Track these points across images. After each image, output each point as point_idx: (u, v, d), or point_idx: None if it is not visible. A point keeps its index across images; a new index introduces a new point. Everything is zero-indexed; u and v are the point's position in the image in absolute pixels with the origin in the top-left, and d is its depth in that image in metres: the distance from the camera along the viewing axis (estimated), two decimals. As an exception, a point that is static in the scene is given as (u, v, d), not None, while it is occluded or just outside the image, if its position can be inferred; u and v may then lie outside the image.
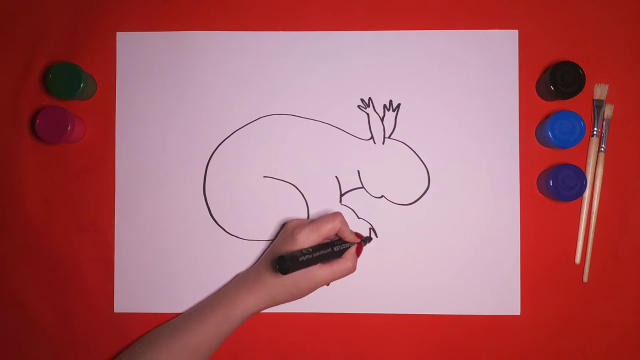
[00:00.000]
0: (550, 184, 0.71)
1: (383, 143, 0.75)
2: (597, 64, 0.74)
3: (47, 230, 0.74)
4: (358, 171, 0.75)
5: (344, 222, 0.68)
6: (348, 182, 0.75)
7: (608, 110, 0.73)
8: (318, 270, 0.66)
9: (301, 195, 0.74)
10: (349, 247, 0.68)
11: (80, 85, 0.71)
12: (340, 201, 0.74)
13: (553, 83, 0.70)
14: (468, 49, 0.75)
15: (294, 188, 0.75)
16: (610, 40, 0.74)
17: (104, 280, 0.74)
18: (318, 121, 0.75)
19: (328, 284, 0.70)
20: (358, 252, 0.69)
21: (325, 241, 0.68)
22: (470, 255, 0.74)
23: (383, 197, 0.74)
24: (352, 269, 0.68)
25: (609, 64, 0.74)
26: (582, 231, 0.73)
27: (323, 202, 0.74)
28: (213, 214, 0.74)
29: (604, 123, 0.74)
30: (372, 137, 0.75)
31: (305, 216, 0.74)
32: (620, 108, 0.74)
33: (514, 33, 0.75)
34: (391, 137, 0.75)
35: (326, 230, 0.67)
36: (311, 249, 0.65)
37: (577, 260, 0.73)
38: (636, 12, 0.75)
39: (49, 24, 0.76)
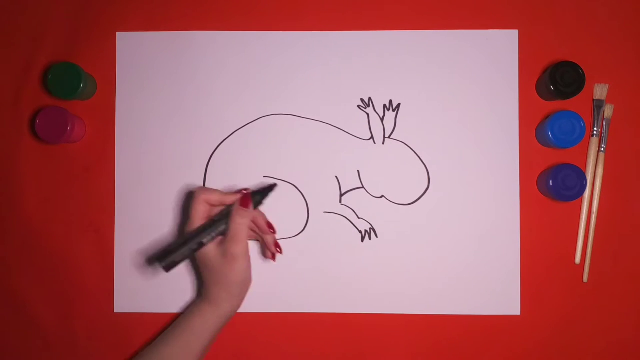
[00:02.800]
0: (550, 184, 0.71)
1: (383, 143, 0.75)
2: (597, 64, 0.74)
3: (47, 230, 0.74)
4: (358, 171, 0.75)
5: (207, 191, 0.67)
6: (348, 182, 0.75)
7: (608, 110, 0.74)
8: (223, 246, 0.65)
9: (301, 195, 0.74)
10: (229, 209, 0.67)
11: (80, 85, 0.71)
12: (340, 201, 0.74)
13: (553, 83, 0.70)
14: (468, 49, 0.75)
15: (294, 188, 0.75)
16: (610, 40, 0.74)
17: (104, 280, 0.74)
18: (318, 121, 0.75)
19: (271, 257, 0.70)
20: (246, 205, 0.67)
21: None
22: (470, 255, 0.74)
23: (383, 197, 0.74)
24: (242, 222, 0.65)
25: (609, 64, 0.74)
26: (582, 231, 0.73)
27: (323, 202, 0.74)
28: (213, 214, 0.74)
29: (604, 123, 0.74)
30: (372, 137, 0.75)
31: (306, 216, 0.74)
32: (620, 108, 0.74)
33: (514, 33, 0.75)
34: (391, 137, 0.75)
35: (196, 211, 0.66)
36: (186, 235, 0.66)
37: (577, 260, 0.73)
38: (636, 12, 0.75)
39: (49, 24, 0.76)
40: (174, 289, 0.74)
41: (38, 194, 0.75)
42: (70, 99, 0.73)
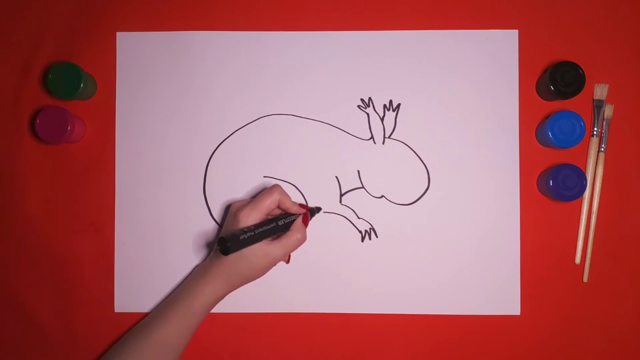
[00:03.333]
0: (550, 184, 0.71)
1: (383, 143, 0.75)
2: (597, 64, 0.74)
3: (47, 230, 0.74)
4: (358, 171, 0.75)
5: (284, 194, 0.68)
6: (348, 182, 0.75)
7: (608, 110, 0.73)
8: (267, 247, 0.66)
9: (301, 195, 0.74)
10: (295, 219, 0.69)
11: (80, 85, 0.71)
12: (340, 201, 0.74)
13: (553, 83, 0.70)
14: (468, 49, 0.75)
15: (294, 188, 0.75)
16: (610, 40, 0.74)
17: (104, 280, 0.74)
18: (318, 121, 0.75)
19: (287, 261, 0.71)
20: (305, 223, 0.69)
21: (270, 217, 0.68)
22: (470, 255, 0.74)
23: (383, 197, 0.74)
24: (302, 239, 0.68)
25: (609, 64, 0.74)
26: (582, 231, 0.73)
27: (323, 202, 0.74)
28: (213, 214, 0.74)
29: (604, 123, 0.74)
30: (372, 137, 0.75)
31: (305, 216, 0.74)
32: (620, 108, 0.74)
33: (514, 33, 0.75)
34: (391, 137, 0.75)
35: (266, 205, 0.67)
36: (253, 227, 0.65)
37: (577, 260, 0.73)
38: (636, 12, 0.75)
39: (49, 24, 0.76)
40: (174, 289, 0.74)
41: (38, 194, 0.75)
42: (70, 99, 0.73)
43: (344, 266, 0.74)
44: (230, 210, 0.69)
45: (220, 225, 0.74)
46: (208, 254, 0.72)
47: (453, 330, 0.73)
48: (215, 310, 0.73)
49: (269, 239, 0.67)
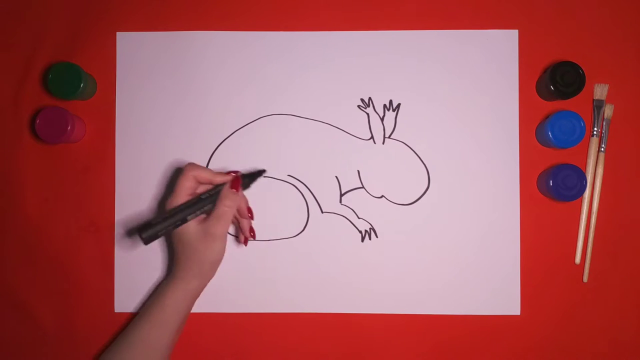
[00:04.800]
0: (550, 184, 0.71)
1: (383, 143, 0.75)
2: (597, 64, 0.74)
3: (47, 230, 0.74)
4: (358, 171, 0.75)
5: (198, 168, 0.67)
6: (348, 182, 0.75)
7: (608, 110, 0.74)
8: (202, 224, 0.66)
9: (301, 195, 0.74)
10: (221, 187, 0.67)
11: (80, 85, 0.71)
12: (340, 201, 0.74)
13: (553, 83, 0.70)
14: (468, 49, 0.75)
15: (294, 188, 0.75)
16: (610, 40, 0.74)
17: (104, 280, 0.74)
18: (318, 121, 0.75)
19: (244, 242, 0.71)
20: (236, 187, 0.67)
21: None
22: (470, 255, 0.74)
23: (383, 197, 0.74)
24: (232, 205, 0.66)
25: (609, 64, 0.74)
26: (582, 231, 0.73)
27: (323, 202, 0.74)
28: (213, 214, 0.74)
29: (604, 123, 0.74)
30: (372, 137, 0.75)
31: (306, 217, 0.74)
32: (620, 108, 0.74)
33: (514, 33, 0.75)
34: (391, 137, 0.75)
35: (182, 186, 0.66)
36: (169, 210, 0.65)
37: (577, 260, 0.73)
38: (636, 12, 0.75)
39: (49, 24, 0.76)
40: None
41: (38, 194, 0.75)
42: (70, 99, 0.73)
43: (344, 266, 0.74)
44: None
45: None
46: None
47: (453, 330, 0.73)
48: (215, 310, 0.73)
49: (202, 216, 0.66)
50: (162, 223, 0.65)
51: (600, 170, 0.73)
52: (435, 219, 0.74)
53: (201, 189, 0.69)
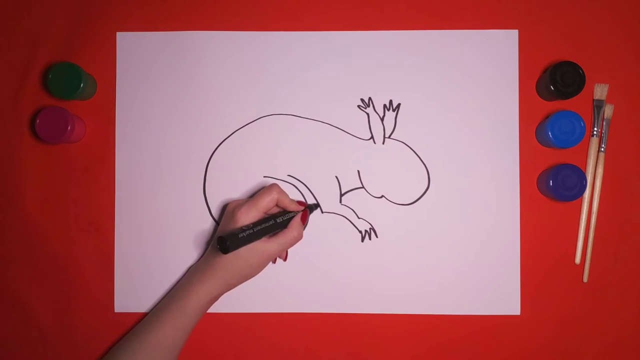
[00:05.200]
0: (550, 184, 0.71)
1: (383, 143, 0.75)
2: (597, 64, 0.74)
3: (47, 230, 0.74)
4: (358, 171, 0.75)
5: (282, 192, 0.69)
6: (348, 182, 0.75)
7: (608, 110, 0.74)
8: (264, 244, 0.66)
9: (301, 195, 0.74)
10: (293, 216, 0.69)
11: (80, 85, 0.71)
12: (340, 201, 0.74)
13: (553, 83, 0.70)
14: (468, 49, 0.75)
15: (294, 188, 0.75)
16: (610, 40, 0.74)
17: (104, 280, 0.74)
18: (318, 121, 0.75)
19: (284, 259, 0.72)
20: (304, 220, 0.69)
21: (268, 215, 0.68)
22: (471, 255, 0.74)
23: (383, 197, 0.74)
24: (298, 237, 0.68)
25: (609, 64, 0.74)
26: (582, 231, 0.73)
27: (323, 202, 0.74)
28: (213, 214, 0.74)
29: (604, 123, 0.74)
30: (372, 137, 0.75)
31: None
32: (620, 108, 0.74)
33: (514, 33, 0.75)
34: (391, 137, 0.75)
35: (264, 204, 0.67)
36: (251, 225, 0.65)
37: (577, 260, 0.73)
38: (636, 12, 0.75)
39: (49, 24, 0.76)
40: (170, 289, 0.74)
41: (38, 194, 0.75)
42: (70, 99, 0.73)
43: (344, 266, 0.74)
44: (227, 209, 0.69)
45: (218, 224, 0.74)
46: (204, 254, 0.72)
47: (453, 330, 0.73)
48: (215, 310, 0.73)
49: (266, 236, 0.67)
50: (248, 238, 0.64)
51: (600, 170, 0.73)
52: (435, 219, 0.74)
53: (272, 210, 0.70)
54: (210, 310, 0.73)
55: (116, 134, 0.75)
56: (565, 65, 0.70)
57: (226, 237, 0.62)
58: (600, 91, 0.73)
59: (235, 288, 0.70)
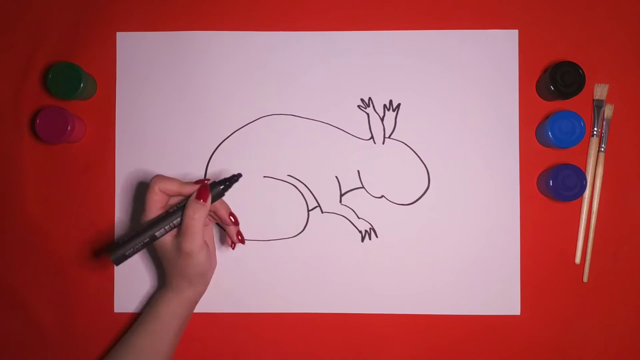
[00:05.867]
0: (550, 184, 0.71)
1: (383, 143, 0.75)
2: (597, 64, 0.74)
3: (47, 230, 0.74)
4: (358, 171, 0.75)
5: (164, 180, 0.64)
6: (348, 182, 0.75)
7: (608, 110, 0.74)
8: (176, 239, 0.64)
9: (301, 195, 0.74)
10: (185, 201, 0.64)
11: (80, 85, 0.71)
12: (340, 201, 0.74)
13: (553, 83, 0.70)
14: (468, 49, 0.75)
15: (294, 188, 0.75)
16: (610, 40, 0.74)
17: (104, 280, 0.74)
18: (318, 121, 0.75)
19: (232, 246, 0.70)
20: (202, 197, 0.64)
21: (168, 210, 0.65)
22: (470, 255, 0.74)
23: (383, 197, 0.74)
24: (193, 215, 0.62)
25: (609, 64, 0.74)
26: (582, 231, 0.73)
27: (323, 202, 0.74)
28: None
29: (604, 123, 0.74)
30: (372, 137, 0.75)
31: (305, 216, 0.74)
32: (620, 108, 0.74)
33: (514, 33, 0.75)
34: (391, 137, 0.75)
35: (150, 201, 0.64)
36: (136, 228, 0.64)
37: (577, 260, 0.73)
38: (636, 12, 0.75)
39: (49, 24, 0.76)
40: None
41: (38, 194, 0.75)
42: (70, 99, 0.73)
43: (344, 266, 0.74)
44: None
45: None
46: None
47: (453, 330, 0.73)
48: (215, 310, 0.73)
49: (175, 230, 0.64)
50: (129, 243, 0.62)
51: (600, 170, 0.73)
52: (435, 219, 0.74)
53: (173, 201, 0.67)
54: (210, 311, 0.73)
55: (116, 134, 0.75)
56: (565, 65, 0.70)
57: (108, 249, 0.61)
58: (600, 91, 0.73)
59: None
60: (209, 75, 0.75)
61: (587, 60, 0.73)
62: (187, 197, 0.65)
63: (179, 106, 0.75)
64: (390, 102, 0.75)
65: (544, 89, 0.72)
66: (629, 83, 0.74)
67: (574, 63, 0.70)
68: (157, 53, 0.75)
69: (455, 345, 0.73)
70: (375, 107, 0.75)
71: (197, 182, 0.66)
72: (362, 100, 0.75)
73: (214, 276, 0.73)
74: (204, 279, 0.68)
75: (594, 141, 0.73)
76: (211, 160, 0.75)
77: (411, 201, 0.74)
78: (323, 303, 0.74)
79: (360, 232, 0.74)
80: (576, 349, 0.73)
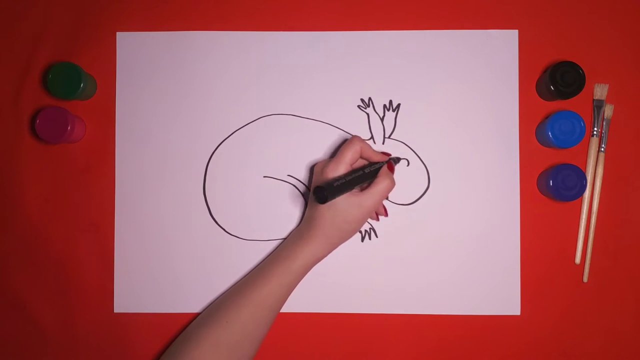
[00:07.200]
0: (550, 184, 0.71)
1: (383, 143, 0.75)
2: (597, 64, 0.74)
3: (47, 230, 0.74)
4: (358, 171, 0.75)
5: (364, 143, 0.68)
6: (348, 182, 0.75)
7: (608, 110, 0.74)
8: (358, 197, 0.66)
9: (301, 196, 0.74)
10: (381, 165, 0.68)
11: (80, 85, 0.71)
12: (340, 201, 0.74)
13: (553, 83, 0.70)
14: (468, 49, 0.75)
15: (294, 188, 0.75)
16: (610, 40, 0.74)
17: (104, 280, 0.74)
18: (318, 121, 0.75)
19: (385, 214, 0.72)
20: (391, 169, 0.69)
21: (354, 169, 0.68)
22: (470, 255, 0.74)
23: (383, 197, 0.74)
24: (391, 184, 0.67)
25: (609, 64, 0.74)
26: (582, 231, 0.73)
27: (323, 202, 0.74)
28: (213, 214, 0.74)
29: (604, 123, 0.74)
30: (372, 137, 0.75)
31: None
32: (620, 108, 0.74)
33: (514, 33, 0.75)
34: (391, 137, 0.75)
35: (349, 157, 0.67)
36: (343, 176, 0.65)
37: (577, 260, 0.73)
38: (636, 12, 0.75)
39: (49, 24, 0.76)
40: (174, 288, 0.74)
41: (38, 194, 0.75)
42: (70, 99, 0.73)
43: (344, 266, 0.74)
44: (315, 171, 0.69)
45: (221, 227, 0.74)
46: (302, 220, 0.71)
47: (453, 330, 0.73)
48: (215, 310, 0.73)
49: (358, 188, 0.67)
50: (343, 187, 0.64)
51: (600, 170, 0.73)
52: (435, 219, 0.74)
53: (358, 163, 0.70)
54: (210, 310, 0.73)
55: (116, 134, 0.75)
56: (565, 65, 0.70)
57: (323, 186, 0.61)
58: (600, 91, 0.73)
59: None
60: (209, 75, 0.75)
61: (587, 60, 0.73)
62: (372, 164, 0.68)
63: (179, 106, 0.75)
64: (390, 102, 0.75)
65: (544, 89, 0.72)
66: (629, 83, 0.74)
67: (574, 63, 0.70)
68: (157, 53, 0.75)
69: (455, 345, 0.73)
70: (375, 107, 0.75)
71: (383, 153, 0.71)
72: (362, 100, 0.75)
73: (213, 276, 0.73)
74: (346, 239, 0.69)
75: (594, 141, 0.73)
76: (211, 160, 0.75)
77: (411, 201, 0.74)
78: (323, 303, 0.74)
79: (360, 232, 0.74)
80: (576, 348, 0.73)
